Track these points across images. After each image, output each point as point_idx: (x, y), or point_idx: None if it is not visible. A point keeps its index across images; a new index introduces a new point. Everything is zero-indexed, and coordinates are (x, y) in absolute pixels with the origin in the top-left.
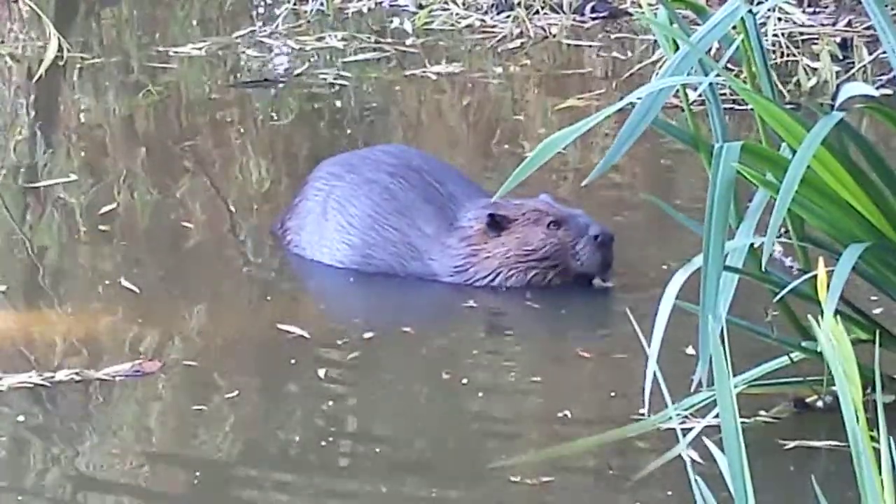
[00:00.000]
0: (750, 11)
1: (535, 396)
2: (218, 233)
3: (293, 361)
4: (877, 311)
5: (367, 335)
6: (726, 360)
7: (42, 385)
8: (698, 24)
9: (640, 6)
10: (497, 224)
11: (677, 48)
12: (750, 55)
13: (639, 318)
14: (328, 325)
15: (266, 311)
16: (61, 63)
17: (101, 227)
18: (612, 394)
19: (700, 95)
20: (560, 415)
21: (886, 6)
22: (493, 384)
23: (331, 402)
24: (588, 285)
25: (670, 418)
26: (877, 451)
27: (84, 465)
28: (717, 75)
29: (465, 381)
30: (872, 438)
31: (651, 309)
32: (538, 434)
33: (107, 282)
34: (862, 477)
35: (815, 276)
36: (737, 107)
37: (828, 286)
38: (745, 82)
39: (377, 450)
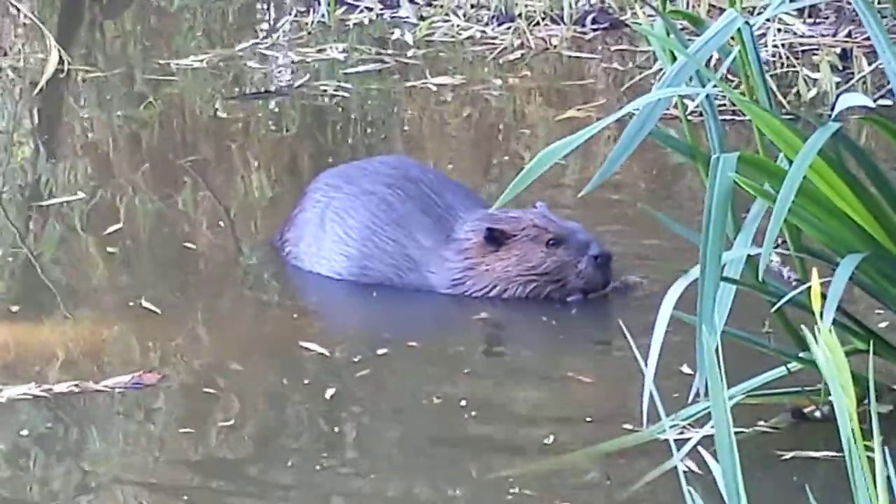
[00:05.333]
0: (747, 23)
1: (534, 409)
2: (223, 247)
3: (307, 381)
4: (882, 324)
5: (381, 351)
6: (721, 370)
7: (41, 396)
8: (697, 35)
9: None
10: (495, 239)
11: (675, 59)
12: (747, 66)
13: (638, 330)
14: (346, 342)
15: (274, 325)
16: (62, 75)
17: (109, 250)
18: (612, 405)
19: (698, 106)
20: (559, 426)
21: (883, 18)
22: (493, 396)
23: (331, 419)
24: (584, 297)
25: (664, 430)
26: (872, 461)
27: (74, 481)
28: (714, 86)
29: (466, 393)
30: (870, 448)
31: (650, 320)
32: (537, 445)
33: (112, 298)
34: (856, 487)
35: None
36: (737, 117)
37: (823, 296)
38: (743, 93)
39: (376, 460)
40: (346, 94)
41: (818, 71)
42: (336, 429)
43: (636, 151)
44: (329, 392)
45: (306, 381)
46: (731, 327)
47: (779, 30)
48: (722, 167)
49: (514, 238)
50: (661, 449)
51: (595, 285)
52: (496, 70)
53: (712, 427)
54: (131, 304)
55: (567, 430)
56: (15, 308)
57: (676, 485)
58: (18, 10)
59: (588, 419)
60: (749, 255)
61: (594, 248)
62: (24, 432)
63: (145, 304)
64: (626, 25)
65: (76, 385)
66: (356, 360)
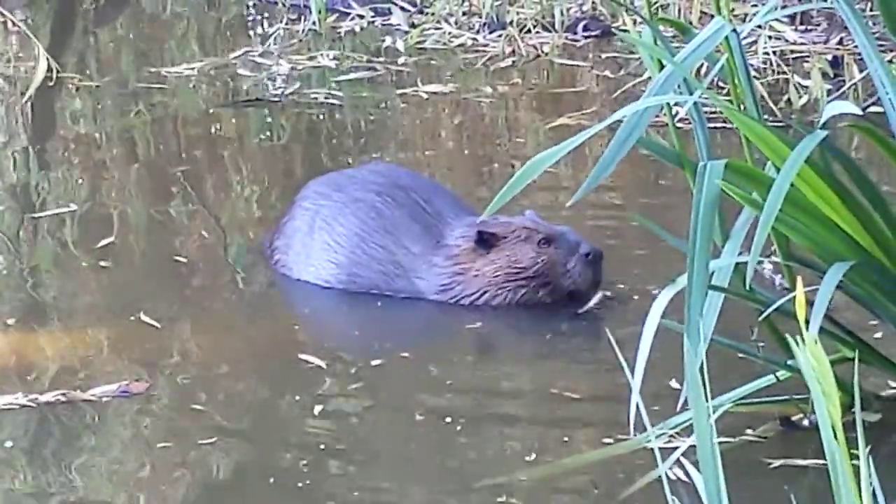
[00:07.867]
0: (734, 31)
1: (523, 419)
2: (214, 258)
3: (297, 398)
4: (877, 334)
5: (375, 362)
6: (706, 379)
7: (28, 406)
8: (687, 43)
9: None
10: (486, 242)
11: (663, 67)
12: (735, 74)
13: (628, 342)
14: (342, 353)
15: (269, 336)
16: (51, 84)
17: (102, 263)
18: (601, 417)
19: (687, 114)
20: (548, 437)
21: (873, 25)
22: (482, 406)
23: (320, 433)
24: (575, 301)
25: (649, 440)
26: (858, 470)
27: (57, 491)
28: (701, 94)
29: (455, 404)
30: (856, 457)
31: (639, 331)
32: (525, 455)
33: (104, 310)
34: (840, 497)
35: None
36: (727, 125)
37: (811, 304)
38: (731, 101)
39: (364, 467)
40: (337, 102)
41: (809, 78)
42: (322, 446)
43: (633, 158)
44: (320, 406)
45: (297, 396)
46: (720, 335)
47: (770, 37)
48: (709, 175)
49: (505, 240)
50: (651, 458)
51: (586, 284)
52: (487, 77)
53: None
54: (124, 316)
55: (555, 441)
56: (10, 321)
57: (662, 492)
58: (6, 16)
59: (577, 430)
60: (737, 263)
61: (585, 247)
62: (9, 443)
63: (143, 317)
64: (617, 32)
65: (63, 395)
66: (352, 371)
